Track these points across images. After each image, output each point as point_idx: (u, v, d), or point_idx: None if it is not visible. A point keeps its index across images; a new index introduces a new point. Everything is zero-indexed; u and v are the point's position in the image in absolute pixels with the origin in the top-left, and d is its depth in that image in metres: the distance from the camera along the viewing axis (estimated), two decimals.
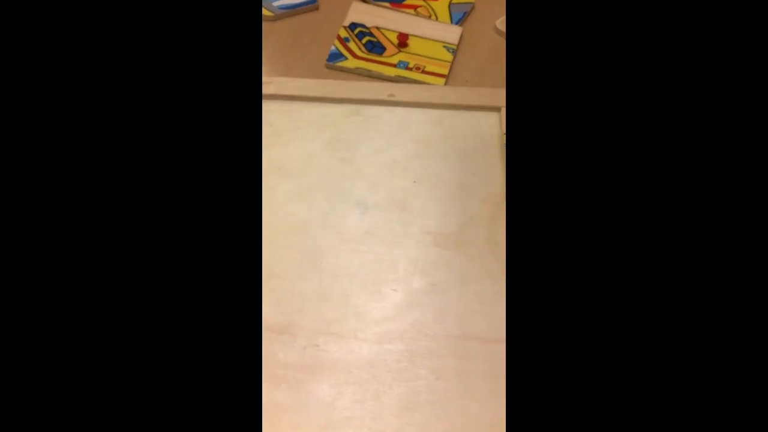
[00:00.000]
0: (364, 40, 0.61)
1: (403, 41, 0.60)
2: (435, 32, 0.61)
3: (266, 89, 0.56)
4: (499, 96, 0.54)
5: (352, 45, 0.60)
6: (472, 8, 0.64)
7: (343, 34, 0.61)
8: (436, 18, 0.63)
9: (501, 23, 0.62)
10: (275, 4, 0.64)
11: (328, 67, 0.58)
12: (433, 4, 0.64)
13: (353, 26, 0.62)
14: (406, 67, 0.58)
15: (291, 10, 0.64)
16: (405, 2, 0.64)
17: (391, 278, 0.43)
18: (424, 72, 0.58)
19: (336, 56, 0.59)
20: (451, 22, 0.63)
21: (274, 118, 0.54)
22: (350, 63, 0.58)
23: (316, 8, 0.64)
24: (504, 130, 0.51)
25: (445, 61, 0.59)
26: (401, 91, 0.55)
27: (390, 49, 0.60)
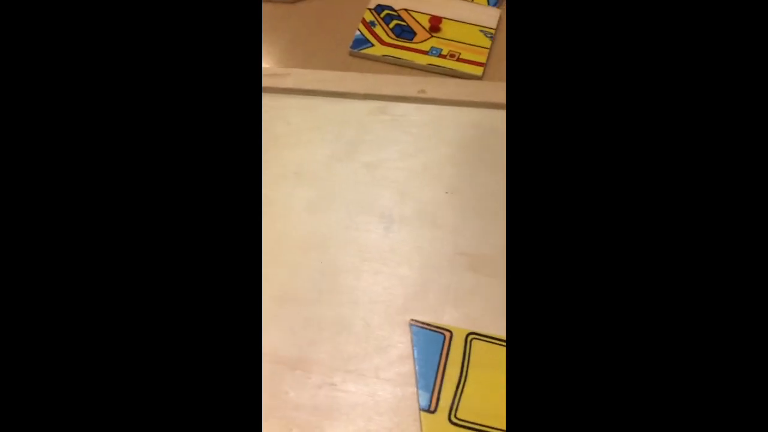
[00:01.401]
0: (391, 24, 0.54)
1: (435, 25, 0.53)
2: (471, 15, 0.54)
3: (283, 82, 0.50)
4: None
5: (378, 30, 0.54)
6: None
7: (369, 17, 0.55)
8: None
9: None
10: None
11: (352, 54, 0.52)
12: None
13: (379, 8, 0.55)
14: (439, 54, 0.52)
15: None
16: None
17: (419, 307, 0.38)
18: (459, 60, 0.51)
19: (361, 42, 0.53)
20: (488, 3, 0.56)
21: (292, 114, 0.49)
22: (377, 50, 0.52)
23: None
24: None
25: (483, 47, 0.52)
26: (433, 87, 0.49)
27: (421, 33, 0.53)
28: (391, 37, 0.53)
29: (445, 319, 0.37)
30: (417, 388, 0.34)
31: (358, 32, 0.53)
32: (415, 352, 0.35)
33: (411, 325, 0.37)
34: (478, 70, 0.50)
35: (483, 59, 0.51)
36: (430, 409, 0.33)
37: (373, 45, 0.52)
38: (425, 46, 0.52)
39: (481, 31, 0.53)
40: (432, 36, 0.53)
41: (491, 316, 0.37)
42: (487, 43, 0.52)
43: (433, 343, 0.36)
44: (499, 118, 0.47)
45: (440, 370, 0.35)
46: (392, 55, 0.52)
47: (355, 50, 0.52)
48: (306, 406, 0.34)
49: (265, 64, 0.53)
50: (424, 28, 0.54)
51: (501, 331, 0.36)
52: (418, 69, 0.51)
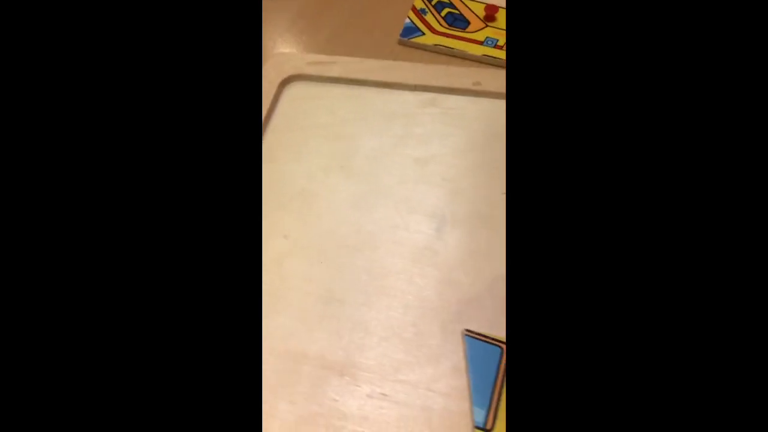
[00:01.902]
0: (443, 12, 0.51)
1: (490, 14, 0.50)
2: None
3: (329, 71, 0.48)
4: None
5: (429, 18, 0.51)
6: None
7: (419, 4, 0.52)
8: None
9: None
10: None
11: (401, 43, 0.50)
12: None
13: None
14: (495, 45, 0.49)
15: None
16: None
17: (474, 316, 0.35)
18: None
19: (411, 31, 0.50)
20: None
21: (337, 105, 0.47)
22: (428, 39, 0.49)
23: None
24: None
25: None
26: (489, 79, 0.46)
27: (475, 23, 0.50)
28: (443, 26, 0.50)
29: (502, 332, 0.34)
30: (471, 403, 0.32)
31: (407, 20, 0.51)
32: (470, 365, 0.33)
33: (465, 335, 0.34)
34: None
35: None
36: (486, 428, 0.31)
37: (424, 34, 0.50)
38: (480, 36, 0.49)
39: None
40: (487, 26, 0.50)
41: None
42: None
43: (489, 357, 0.33)
44: None
45: (497, 386, 0.32)
46: (444, 44, 0.49)
47: (405, 39, 0.50)
48: (354, 416, 0.32)
49: (309, 52, 0.51)
50: (478, 17, 0.51)
51: None
52: (472, 60, 0.48)
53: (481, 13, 0.51)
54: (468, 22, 0.51)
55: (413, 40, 0.50)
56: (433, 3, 0.52)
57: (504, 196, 0.40)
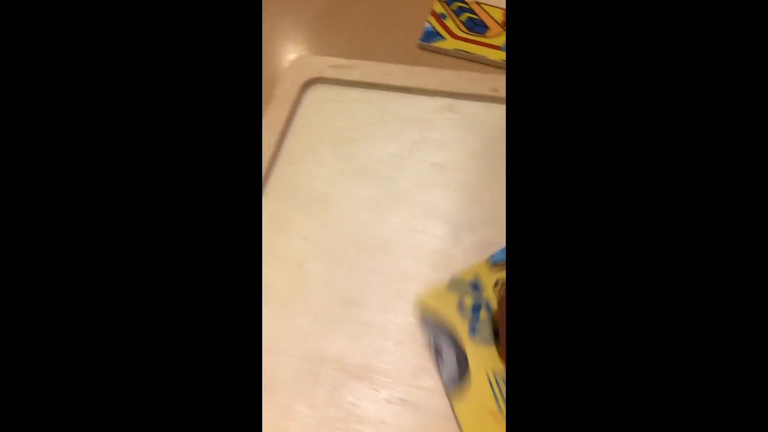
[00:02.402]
0: (463, 17, 0.52)
1: None
2: None
3: (349, 74, 0.48)
4: None
5: (449, 22, 0.51)
6: None
7: (439, 9, 0.52)
8: None
9: None
10: None
11: (421, 47, 0.50)
12: None
13: (450, 0, 0.53)
14: None
15: None
16: None
17: None
18: None
19: (431, 35, 0.50)
20: None
21: (356, 108, 0.47)
22: (448, 44, 0.50)
23: None
24: None
25: None
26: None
27: (494, 28, 0.51)
28: (463, 31, 0.50)
29: None
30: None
31: (428, 24, 0.51)
32: None
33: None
34: None
35: None
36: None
37: (444, 38, 0.50)
38: (498, 42, 0.50)
39: None
40: (506, 31, 0.50)
41: None
42: None
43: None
44: None
45: None
46: (464, 49, 0.49)
47: (425, 43, 0.50)
48: (372, 420, 0.33)
49: (328, 54, 0.51)
50: (497, 22, 0.51)
51: None
52: (491, 65, 0.49)
53: (500, 18, 0.51)
54: (487, 27, 0.51)
55: (434, 44, 0.50)
56: (453, 8, 0.52)
57: None
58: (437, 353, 0.34)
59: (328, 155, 0.45)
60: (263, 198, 0.43)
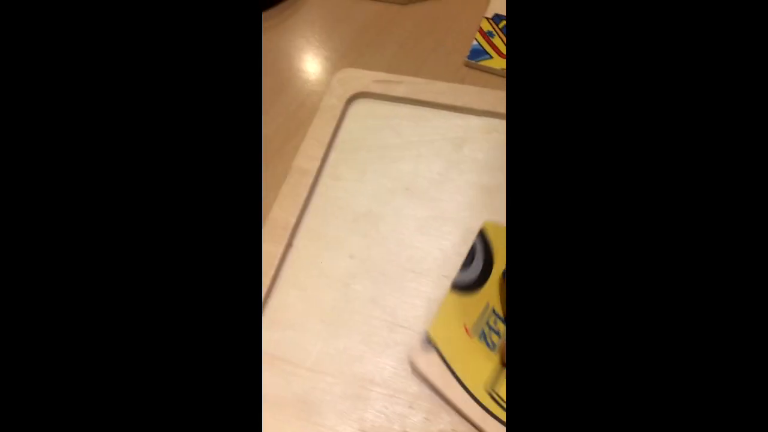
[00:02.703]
0: None
1: None
2: None
3: (395, 90, 0.48)
4: None
5: (497, 41, 0.51)
6: None
7: (486, 27, 0.52)
8: None
9: None
10: None
11: (468, 65, 0.50)
12: None
13: (497, 18, 0.52)
14: None
15: None
16: None
17: None
18: None
19: (478, 53, 0.50)
20: None
21: (403, 125, 0.47)
22: (495, 63, 0.49)
23: None
24: None
25: None
26: None
27: None
28: None
29: None
30: None
31: (475, 42, 0.51)
32: None
33: None
34: None
35: None
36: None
37: (491, 57, 0.50)
38: None
39: None
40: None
41: None
42: None
43: None
44: None
45: None
46: None
47: (472, 61, 0.49)
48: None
49: (373, 70, 0.51)
50: None
51: None
52: None
53: None
54: None
55: (481, 63, 0.49)
56: (500, 26, 0.52)
57: None
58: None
59: (374, 172, 0.45)
60: (306, 213, 0.42)
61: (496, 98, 0.47)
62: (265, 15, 0.58)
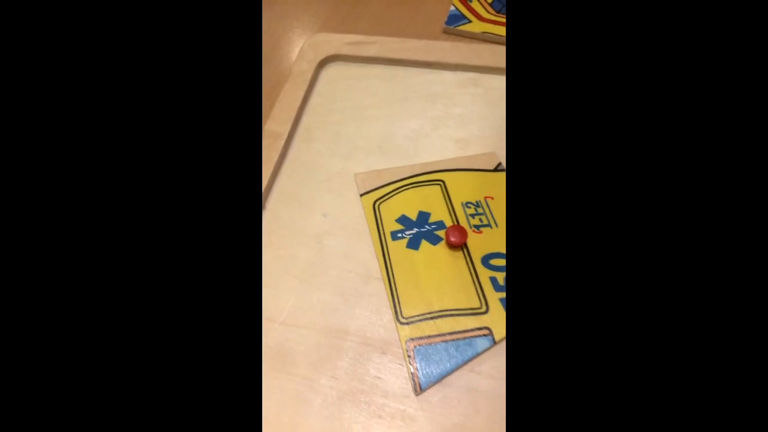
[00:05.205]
0: None
1: None
2: None
3: (368, 50, 0.48)
4: None
5: (475, 4, 0.50)
6: None
7: None
8: None
9: None
10: None
11: (446, 31, 0.49)
12: None
13: None
14: None
15: None
16: None
17: None
18: None
19: (456, 18, 0.49)
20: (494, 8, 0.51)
21: (376, 85, 0.46)
22: (474, 26, 0.49)
23: None
24: None
25: None
26: None
27: None
28: (491, 13, 0.49)
29: None
30: None
31: (453, 7, 0.50)
32: None
33: None
34: None
35: None
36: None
37: (470, 21, 0.49)
38: None
39: None
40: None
41: None
42: None
43: None
44: None
45: None
46: (492, 32, 0.48)
47: (451, 27, 0.49)
48: (396, 394, 0.31)
49: (351, 38, 0.51)
50: None
51: None
52: None
53: None
54: None
55: (459, 28, 0.49)
56: None
57: None
58: None
59: (348, 133, 0.44)
60: (278, 176, 0.42)
61: (470, 51, 0.46)
62: None
